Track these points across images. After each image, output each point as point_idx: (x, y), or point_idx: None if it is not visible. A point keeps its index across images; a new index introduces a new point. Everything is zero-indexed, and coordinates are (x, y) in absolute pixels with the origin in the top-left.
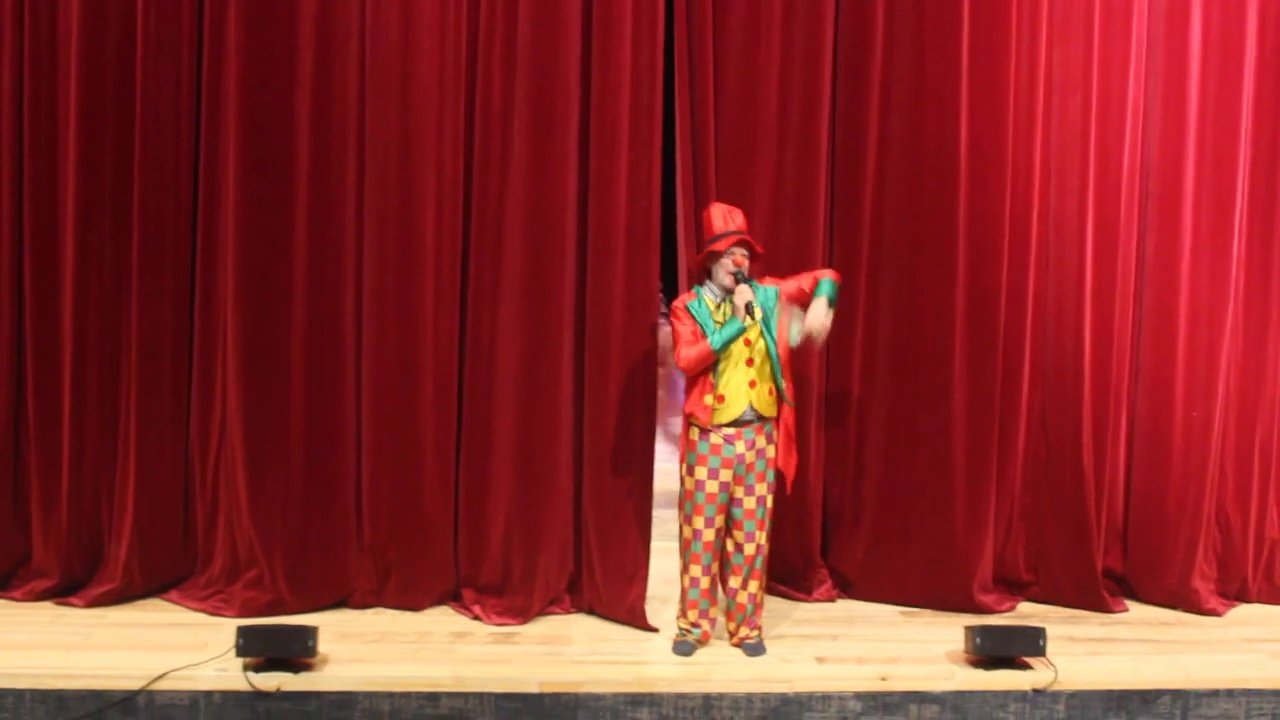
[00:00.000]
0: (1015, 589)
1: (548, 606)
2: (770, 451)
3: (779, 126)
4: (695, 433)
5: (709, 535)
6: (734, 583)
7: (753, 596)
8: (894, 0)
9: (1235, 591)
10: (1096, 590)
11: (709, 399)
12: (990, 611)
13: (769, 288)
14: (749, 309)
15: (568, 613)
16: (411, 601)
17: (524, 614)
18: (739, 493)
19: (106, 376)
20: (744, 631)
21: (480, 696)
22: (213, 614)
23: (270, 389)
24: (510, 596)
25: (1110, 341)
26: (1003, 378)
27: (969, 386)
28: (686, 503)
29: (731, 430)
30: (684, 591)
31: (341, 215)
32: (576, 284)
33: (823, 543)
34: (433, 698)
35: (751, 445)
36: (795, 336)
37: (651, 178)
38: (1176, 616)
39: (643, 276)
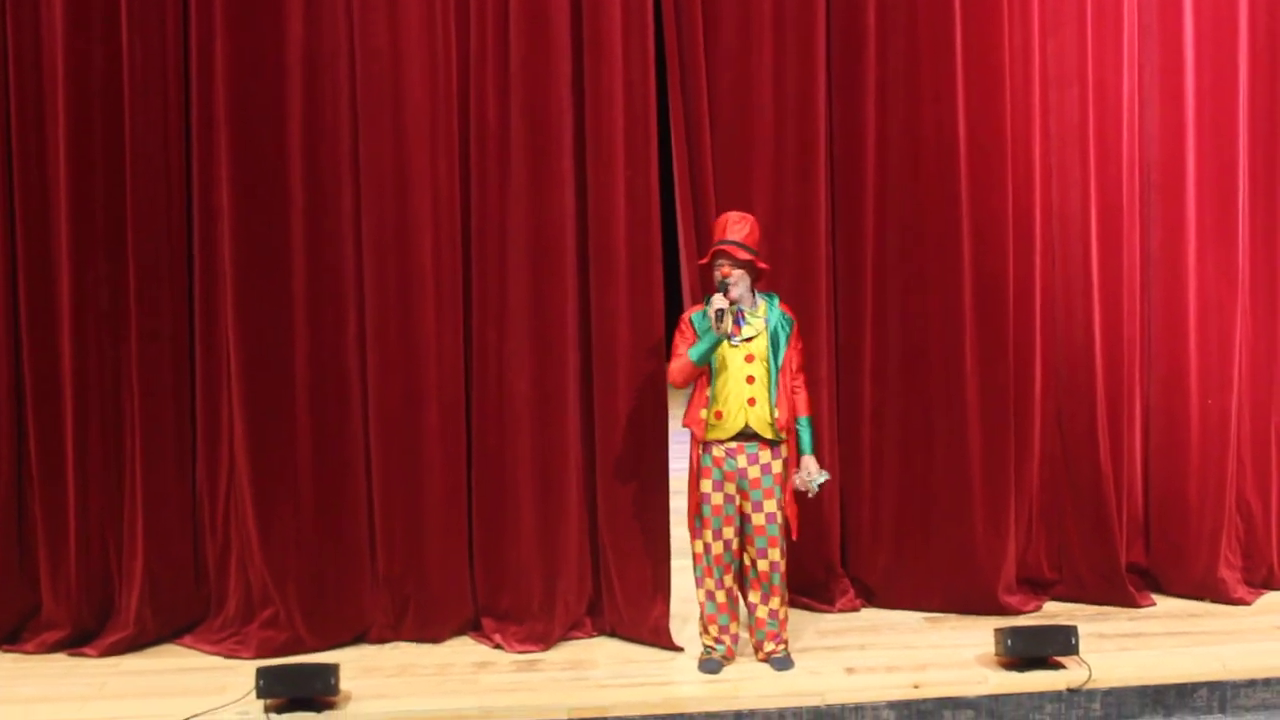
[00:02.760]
0: (1040, 589)
1: (569, 631)
2: (777, 467)
3: (775, 132)
4: (700, 446)
5: (718, 549)
6: (754, 598)
7: (774, 612)
8: None
9: (1262, 579)
10: (1122, 585)
11: (705, 413)
12: (1016, 613)
13: (785, 314)
14: (719, 317)
15: (590, 636)
16: (431, 633)
17: (546, 640)
18: (747, 508)
19: (109, 421)
20: (769, 646)
21: None
22: (229, 656)
23: (276, 424)
24: (531, 623)
25: (1120, 335)
26: (1015, 376)
27: (981, 386)
28: (695, 517)
29: (734, 444)
30: (701, 607)
31: (339, 244)
32: (580, 302)
33: (842, 552)
34: None
35: (755, 460)
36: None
37: (650, 190)
38: (1205, 608)
39: (645, 291)
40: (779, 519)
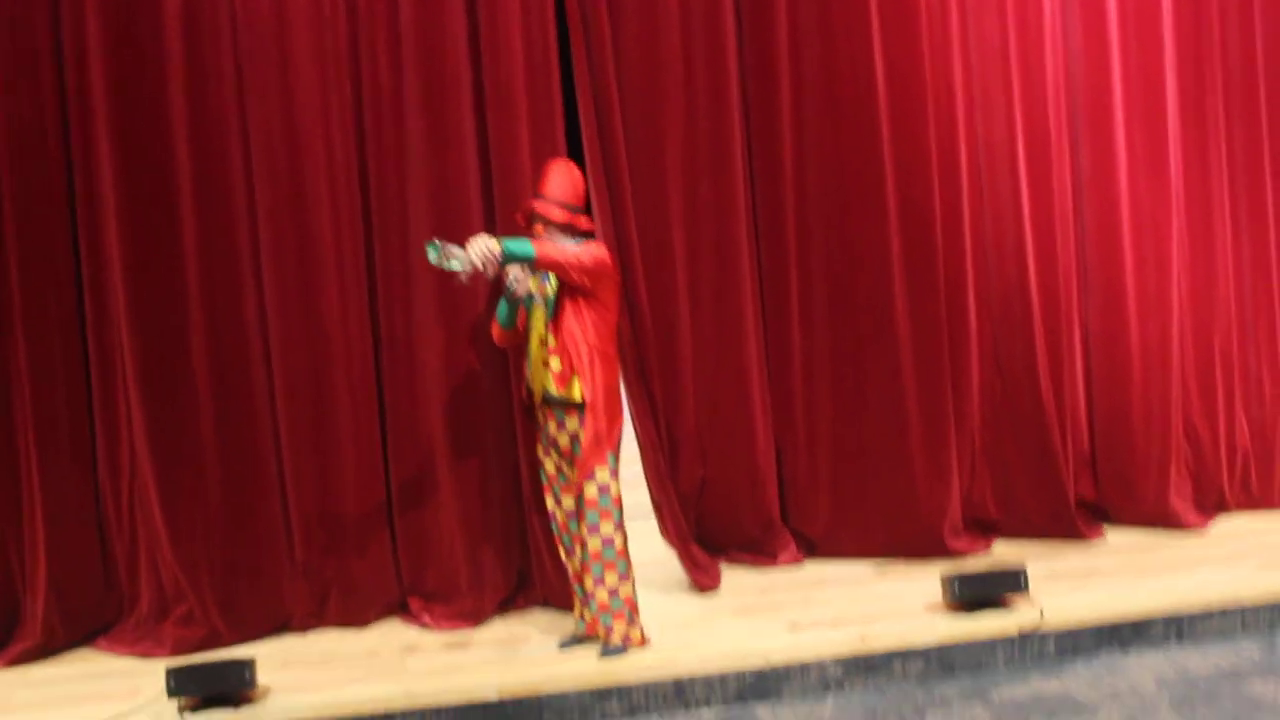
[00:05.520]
0: (987, 529)
1: (501, 606)
2: (584, 435)
3: (685, 77)
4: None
5: (560, 516)
6: (588, 581)
7: (614, 592)
8: None
9: (1214, 504)
10: (1071, 519)
11: (527, 377)
12: (964, 555)
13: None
14: (511, 281)
15: (522, 610)
16: (355, 618)
17: (476, 617)
18: (570, 475)
19: (0, 419)
20: (600, 630)
21: (437, 712)
22: (144, 657)
23: (177, 412)
24: (459, 601)
25: (1055, 263)
26: (948, 312)
27: (913, 324)
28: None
29: (546, 408)
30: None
31: (232, 217)
32: None
33: (781, 505)
34: (386, 719)
35: (563, 427)
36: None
37: (555, 146)
38: (1157, 538)
39: None
40: (591, 489)
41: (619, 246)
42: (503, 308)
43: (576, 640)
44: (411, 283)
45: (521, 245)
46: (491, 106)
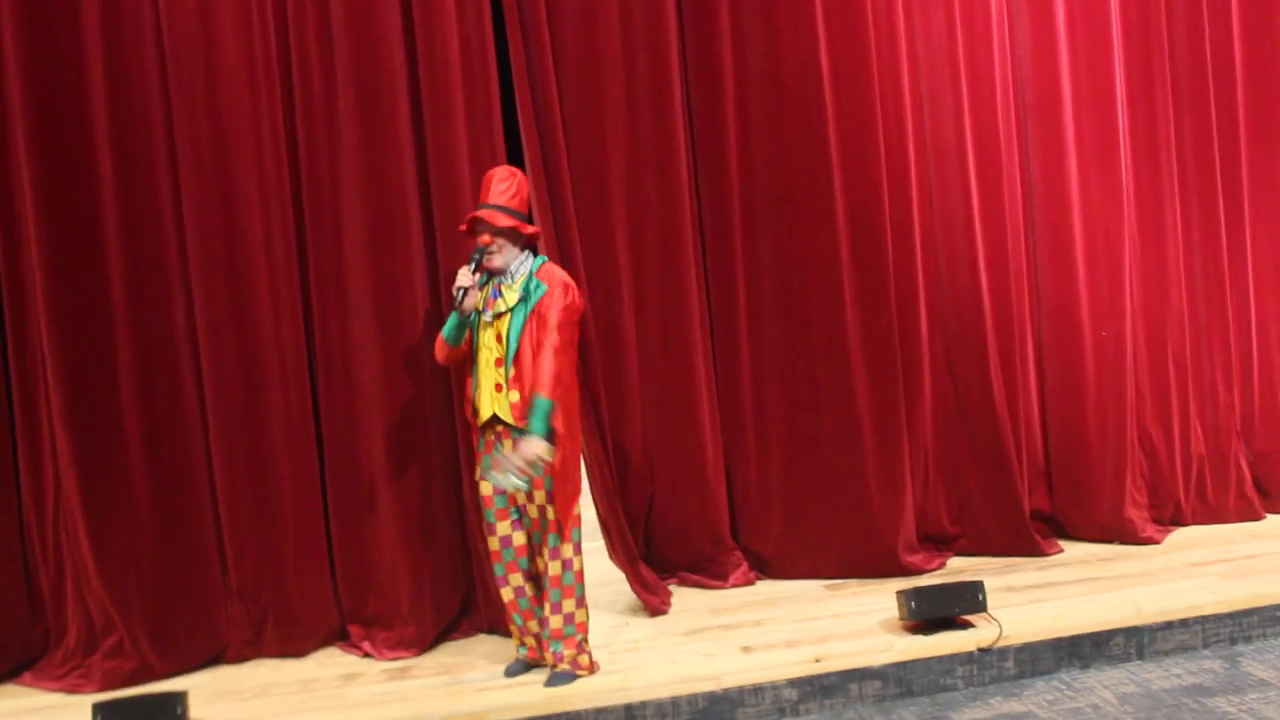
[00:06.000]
0: (941, 544)
1: (444, 632)
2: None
3: (626, 77)
4: (475, 431)
5: (494, 543)
6: (545, 600)
7: (569, 617)
8: None
9: (1170, 516)
10: (1028, 534)
11: (471, 396)
12: (919, 572)
13: (539, 281)
14: (459, 295)
15: (467, 635)
16: (294, 647)
17: (419, 644)
18: (520, 499)
19: None
20: (548, 656)
21: None
22: (72, 692)
23: (103, 431)
24: (401, 627)
25: (1006, 268)
26: (899, 320)
27: (864, 333)
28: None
29: (500, 428)
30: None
31: (158, 231)
32: (429, 280)
33: (732, 523)
34: None
35: (518, 448)
36: (496, 479)
37: (495, 150)
38: (1114, 550)
39: None
40: (550, 513)
41: (561, 254)
42: (451, 324)
43: (525, 666)
44: (346, 299)
45: (538, 408)
46: (429, 112)
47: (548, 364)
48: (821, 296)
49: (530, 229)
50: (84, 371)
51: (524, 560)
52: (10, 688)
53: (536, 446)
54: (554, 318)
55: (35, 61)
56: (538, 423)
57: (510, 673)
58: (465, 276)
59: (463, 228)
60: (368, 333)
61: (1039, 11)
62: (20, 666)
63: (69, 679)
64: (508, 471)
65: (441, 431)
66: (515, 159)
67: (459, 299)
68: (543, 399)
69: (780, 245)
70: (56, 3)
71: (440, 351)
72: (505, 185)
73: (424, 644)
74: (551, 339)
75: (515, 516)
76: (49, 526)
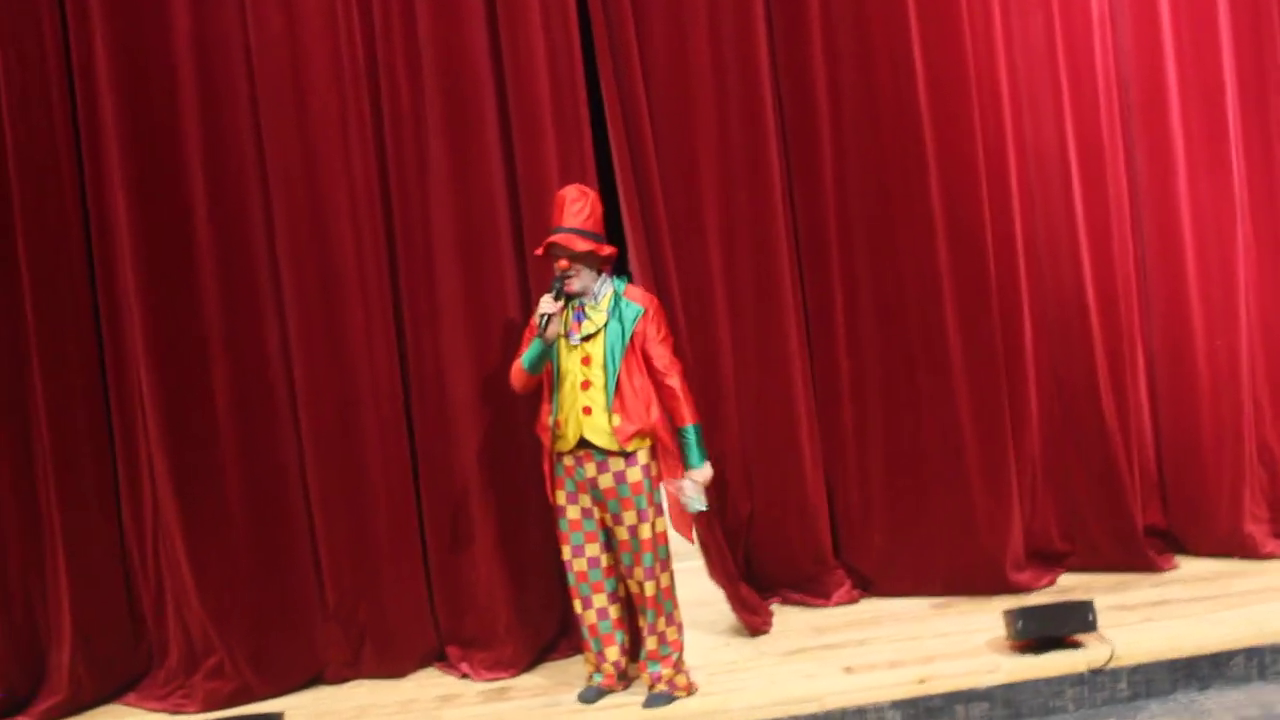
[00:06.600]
0: (1051, 561)
1: (542, 653)
2: (634, 475)
3: (716, 85)
4: (552, 455)
5: (580, 565)
6: (641, 623)
7: (662, 636)
8: None
9: None
10: (1140, 549)
11: (550, 421)
12: (1027, 590)
13: (630, 303)
14: (544, 322)
15: (565, 657)
16: (392, 668)
17: (516, 665)
18: (608, 521)
19: (20, 463)
20: (645, 677)
21: None
22: (175, 713)
23: (200, 452)
24: (498, 648)
25: (1113, 275)
26: (1002, 331)
27: (966, 345)
28: (557, 529)
29: (581, 452)
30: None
31: (251, 251)
32: (520, 293)
33: (833, 539)
34: None
35: (605, 468)
36: (697, 506)
37: (584, 162)
38: (1232, 566)
39: None
40: (643, 532)
41: (654, 269)
42: (533, 353)
43: (599, 694)
44: (438, 313)
45: (693, 440)
46: (517, 123)
47: (683, 395)
48: (921, 306)
49: (607, 249)
50: (179, 392)
51: (611, 582)
52: (114, 708)
53: (707, 471)
54: (664, 350)
55: (128, 84)
56: (698, 454)
57: (584, 698)
58: (549, 304)
59: (539, 252)
60: (459, 347)
61: (1142, 6)
62: (123, 686)
63: (172, 699)
64: (693, 497)
65: (535, 448)
66: (603, 169)
67: (543, 326)
68: (690, 429)
69: (878, 255)
70: (147, 24)
71: (517, 379)
72: (579, 206)
73: (521, 664)
74: (674, 369)
75: (604, 540)
76: (149, 547)
